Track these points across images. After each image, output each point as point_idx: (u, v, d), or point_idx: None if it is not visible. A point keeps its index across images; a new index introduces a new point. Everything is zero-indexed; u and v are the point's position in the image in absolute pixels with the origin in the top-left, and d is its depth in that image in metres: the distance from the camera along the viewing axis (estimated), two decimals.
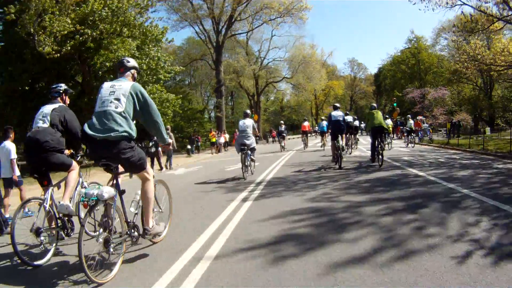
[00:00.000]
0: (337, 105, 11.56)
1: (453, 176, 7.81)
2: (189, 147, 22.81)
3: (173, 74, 22.97)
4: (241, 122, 9.70)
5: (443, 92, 39.37)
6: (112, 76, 16.62)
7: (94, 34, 15.09)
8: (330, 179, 8.29)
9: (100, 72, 17.71)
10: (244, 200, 6.31)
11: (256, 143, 10.86)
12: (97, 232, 3.12)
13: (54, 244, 3.79)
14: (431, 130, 22.28)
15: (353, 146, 16.48)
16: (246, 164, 9.31)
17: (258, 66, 42.34)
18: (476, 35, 15.39)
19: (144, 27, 17.60)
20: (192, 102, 39.39)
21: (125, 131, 3.17)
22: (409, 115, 22.29)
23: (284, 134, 22.23)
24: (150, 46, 18.67)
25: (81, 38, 14.83)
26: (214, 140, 25.57)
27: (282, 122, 24.36)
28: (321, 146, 18.76)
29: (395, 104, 34.60)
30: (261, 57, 45.07)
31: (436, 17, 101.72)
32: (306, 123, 21.88)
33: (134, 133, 3.27)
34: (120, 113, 3.21)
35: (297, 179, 8.57)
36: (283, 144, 21.11)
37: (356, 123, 18.71)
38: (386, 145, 12.34)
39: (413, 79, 50.43)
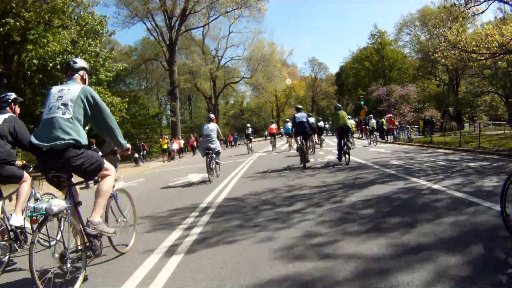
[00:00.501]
0: (300, 106, 12.46)
1: (483, 189, 5.83)
2: (136, 155, 22.03)
3: (122, 75, 22.10)
4: (205, 127, 10.22)
5: (409, 88, 40.46)
6: (41, 76, 15.74)
7: (18, 24, 13.69)
8: (309, 200, 6.06)
9: (28, 72, 16.25)
10: (170, 252, 3.95)
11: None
12: (52, 247, 2.97)
13: (7, 257, 3.79)
14: (409, 128, 22.37)
15: (317, 146, 18.14)
16: (211, 167, 9.91)
17: (215, 66, 42.27)
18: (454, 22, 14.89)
19: (79, 16, 16.24)
20: (147, 107, 38.29)
21: (72, 139, 3.09)
22: (371, 115, 24.12)
23: (251, 137, 24.09)
24: (88, 40, 16.88)
25: (2, 30, 13.48)
26: (165, 146, 24.78)
27: (248, 125, 26.52)
28: (289, 148, 20.41)
29: (362, 102, 35.57)
30: (218, 56, 45.15)
31: (398, 11, 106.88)
32: (273, 125, 24.14)
33: (83, 141, 3.20)
34: (68, 120, 3.14)
35: (260, 201, 6.42)
36: (250, 147, 22.88)
37: (321, 123, 20.85)
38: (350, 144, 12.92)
39: (377, 76, 52.51)
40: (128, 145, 3.78)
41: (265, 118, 69.25)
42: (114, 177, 3.62)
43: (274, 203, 6.08)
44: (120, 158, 10.17)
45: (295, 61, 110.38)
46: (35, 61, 15.65)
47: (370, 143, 19.91)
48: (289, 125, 19.30)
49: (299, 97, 75.25)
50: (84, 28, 16.75)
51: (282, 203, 5.96)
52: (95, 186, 3.71)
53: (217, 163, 10.50)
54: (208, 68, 39.63)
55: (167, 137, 26.10)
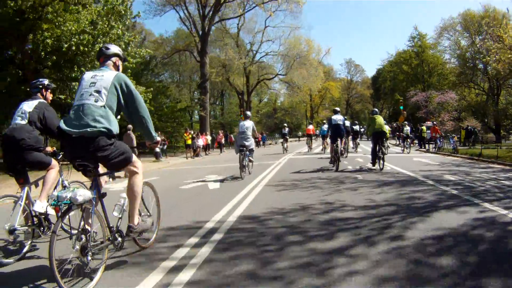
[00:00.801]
0: (337, 109, 12.76)
1: None
2: (157, 150, 21.44)
3: (151, 65, 21.53)
4: (241, 123, 10.62)
5: (450, 95, 38.94)
6: (55, 58, 14.98)
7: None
8: (355, 230, 4.45)
9: (42, 53, 15.31)
10: None
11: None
12: (73, 238, 2.97)
13: (29, 242, 3.93)
14: (455, 138, 20.97)
15: (352, 150, 18.83)
16: (244, 164, 10.14)
17: (249, 60, 42.24)
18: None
19: None
20: (177, 100, 38.50)
21: (104, 127, 3.06)
22: (405, 122, 24.13)
23: (287, 137, 24.67)
24: (109, 21, 15.76)
25: (13, 4, 12.81)
26: (189, 142, 23.78)
27: (285, 125, 27.83)
28: (322, 150, 21.00)
29: (401, 108, 34.60)
30: (253, 50, 44.98)
31: (439, 14, 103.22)
32: (310, 127, 25.13)
33: (115, 130, 3.17)
34: (100, 107, 3.12)
35: (287, 225, 4.83)
36: (285, 146, 23.26)
37: (356, 127, 21.71)
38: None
39: (416, 81, 51.05)
40: (159, 138, 3.72)
41: (298, 119, 68.92)
42: (142, 173, 3.54)
43: (305, 231, 4.45)
44: (137, 153, 9.56)
45: (331, 61, 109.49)
46: (49, 40, 14.82)
47: (403, 150, 20.05)
48: (325, 127, 19.73)
49: (334, 99, 74.45)
50: (105, 8, 15.98)
51: (317, 233, 4.34)
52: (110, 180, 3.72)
53: (250, 160, 10.79)
54: (242, 62, 39.56)
55: (192, 132, 25.38)
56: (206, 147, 28.08)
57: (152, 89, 22.22)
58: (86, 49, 14.79)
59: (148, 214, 3.96)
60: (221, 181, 9.98)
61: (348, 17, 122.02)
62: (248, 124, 10.48)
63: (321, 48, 50.43)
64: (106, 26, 15.64)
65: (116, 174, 5.12)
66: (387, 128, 12.95)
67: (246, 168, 10.46)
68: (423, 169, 11.35)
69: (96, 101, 3.13)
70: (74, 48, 14.60)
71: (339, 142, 11.65)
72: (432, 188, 7.56)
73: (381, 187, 7.95)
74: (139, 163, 3.51)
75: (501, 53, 15.07)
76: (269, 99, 69.05)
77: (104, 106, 3.14)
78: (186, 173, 13.29)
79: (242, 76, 44.79)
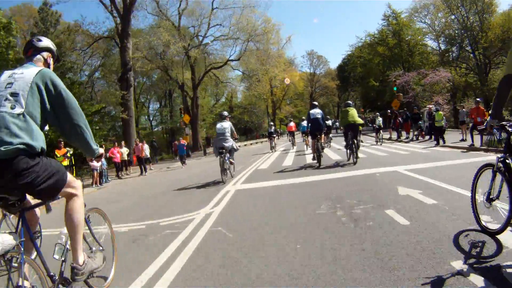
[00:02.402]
0: (315, 103, 12.57)
1: None
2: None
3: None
4: (218, 125, 10.13)
5: (444, 74, 32.31)
6: None
7: None
8: None
9: None
10: None
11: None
12: None
13: None
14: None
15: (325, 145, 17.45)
16: (225, 167, 9.78)
17: (189, 43, 31.28)
18: None
19: None
20: (92, 99, 27.45)
21: (23, 143, 2.26)
22: (377, 113, 22.74)
23: (274, 135, 23.67)
24: None
25: None
26: (65, 162, 13.44)
27: (272, 124, 28.34)
28: (306, 146, 19.64)
29: (395, 88, 26.45)
30: (199, 36, 34.42)
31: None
32: (292, 124, 25.14)
33: (39, 145, 2.36)
34: (17, 116, 2.33)
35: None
36: (273, 145, 22.39)
37: (329, 122, 20.96)
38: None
39: (395, 63, 42.51)
40: (101, 150, 2.95)
41: (259, 116, 59.04)
42: (82, 196, 2.77)
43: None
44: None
45: (291, 53, 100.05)
46: None
47: (377, 142, 19.16)
48: (305, 123, 17.88)
49: (297, 93, 65.38)
50: None
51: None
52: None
53: (231, 162, 10.45)
54: (180, 46, 28.66)
55: (65, 146, 13.98)
56: (122, 165, 17.72)
57: None
58: None
59: (100, 248, 3.20)
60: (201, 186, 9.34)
61: (309, 9, 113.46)
62: (226, 124, 10.02)
63: (281, 37, 40.01)
64: None
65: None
66: (359, 121, 11.96)
67: (228, 171, 10.12)
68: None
69: (12, 107, 2.35)
70: None
71: (319, 137, 11.09)
72: None
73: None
74: (77, 183, 2.79)
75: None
76: (227, 99, 58.44)
77: (23, 114, 2.37)
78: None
79: (188, 70, 34.57)
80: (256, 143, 40.55)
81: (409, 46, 42.01)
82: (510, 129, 3.08)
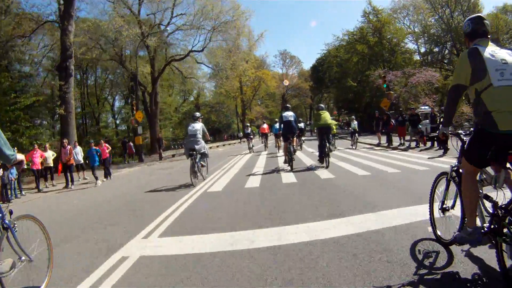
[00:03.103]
0: (288, 105, 12.30)
1: None
2: None
3: None
4: (190, 126, 9.92)
5: (431, 73, 29.70)
6: None
7: None
8: None
9: None
10: None
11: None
12: None
13: None
14: None
15: (297, 148, 17.31)
16: (194, 170, 9.44)
17: (147, 29, 26.60)
18: None
19: None
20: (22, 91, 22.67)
21: None
22: (353, 116, 22.65)
23: (251, 137, 23.17)
24: None
25: None
26: None
27: (248, 125, 29.22)
28: (276, 147, 20.11)
29: (385, 86, 23.44)
30: (160, 25, 29.77)
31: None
32: (265, 125, 24.09)
33: None
34: None
35: None
36: (251, 146, 21.87)
37: (301, 124, 20.18)
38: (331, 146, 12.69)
39: (375, 62, 39.81)
40: (20, 156, 2.78)
41: (227, 116, 55.22)
42: None
43: None
44: None
45: (263, 51, 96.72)
46: None
47: (352, 145, 19.16)
48: (277, 125, 17.82)
49: (269, 93, 62.09)
50: None
51: None
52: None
53: (202, 165, 10.11)
54: (135, 32, 24.42)
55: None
56: (45, 173, 13.82)
57: None
58: None
59: (28, 259, 3.01)
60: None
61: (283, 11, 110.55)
62: (198, 126, 9.81)
63: (253, 33, 36.16)
64: None
65: None
66: (333, 123, 12.02)
67: (198, 174, 9.72)
68: None
69: None
70: None
71: (291, 140, 11.13)
72: None
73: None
74: None
75: None
76: (189, 94, 54.16)
77: None
78: None
79: (148, 63, 30.46)
80: (224, 145, 36.75)
81: (390, 44, 39.45)
82: (465, 138, 3.14)
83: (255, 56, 43.67)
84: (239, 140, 44.07)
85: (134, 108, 22.42)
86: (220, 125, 51.38)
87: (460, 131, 3.20)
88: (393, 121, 18.03)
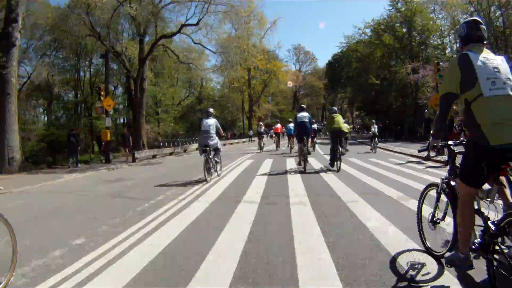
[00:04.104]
0: (303, 106, 12.36)
1: None
2: None
3: None
4: (203, 122, 9.78)
5: None
6: None
7: None
8: None
9: None
10: None
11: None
12: None
13: None
14: None
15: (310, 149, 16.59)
16: (208, 166, 9.31)
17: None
18: None
19: None
20: None
21: None
22: (373, 120, 22.79)
23: (264, 136, 22.81)
24: None
25: None
26: None
27: (261, 123, 25.73)
28: (288, 147, 20.21)
29: (438, 76, 17.92)
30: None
31: None
32: (278, 125, 23.75)
33: None
34: None
35: None
36: (262, 145, 21.61)
37: (315, 126, 19.96)
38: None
39: (404, 56, 33.86)
40: None
41: (232, 113, 49.59)
42: None
43: None
44: None
45: (275, 40, 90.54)
46: None
47: (372, 149, 18.42)
48: (291, 125, 18.72)
49: (280, 88, 56.30)
50: None
51: None
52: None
53: (216, 161, 9.97)
54: None
55: None
56: None
57: None
58: None
59: None
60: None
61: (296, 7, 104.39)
62: (211, 121, 9.68)
63: (267, 18, 30.60)
64: None
65: None
66: (346, 127, 12.57)
67: (212, 170, 9.55)
68: None
69: None
70: None
71: (305, 141, 10.99)
72: None
73: None
74: None
75: None
76: (193, 86, 48.61)
77: None
78: None
79: (136, 43, 25.09)
80: (224, 144, 31.17)
81: (421, 37, 33.34)
82: (456, 150, 3.12)
83: (264, 48, 38.26)
84: (248, 139, 39.74)
85: (102, 93, 16.95)
86: (224, 122, 45.84)
87: (450, 142, 3.18)
88: (456, 126, 12.31)
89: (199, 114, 45.94)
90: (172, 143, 33.27)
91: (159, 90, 41.36)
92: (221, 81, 44.13)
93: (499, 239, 2.43)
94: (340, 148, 10.63)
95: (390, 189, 7.15)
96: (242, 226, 4.70)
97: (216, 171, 9.97)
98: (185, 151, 24.51)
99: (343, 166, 11.01)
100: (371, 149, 18.74)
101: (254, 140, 35.92)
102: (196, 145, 24.58)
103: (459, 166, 2.85)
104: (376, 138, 18.89)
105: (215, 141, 9.55)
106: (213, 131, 9.53)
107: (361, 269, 3.11)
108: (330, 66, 59.41)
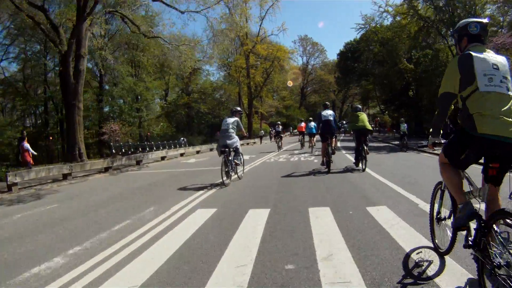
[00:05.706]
0: (327, 103, 11.90)
1: None
2: None
3: None
4: (224, 120, 9.02)
5: None
6: None
7: None
8: None
9: None
10: None
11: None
12: None
13: None
14: None
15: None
16: (226, 169, 8.41)
17: None
18: None
19: None
20: None
21: None
22: (402, 118, 22.04)
23: (281, 135, 22.84)
24: None
25: None
26: None
27: (279, 122, 26.00)
28: (309, 147, 18.93)
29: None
30: None
31: None
32: (302, 124, 23.26)
33: None
34: None
35: None
36: (280, 144, 21.34)
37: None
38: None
39: (446, 29, 25.23)
40: None
41: (228, 108, 41.15)
42: None
43: None
44: None
45: (279, 23, 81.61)
46: None
47: (402, 148, 17.79)
48: (313, 124, 18.15)
49: (285, 79, 47.59)
50: None
51: None
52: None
53: (236, 163, 8.92)
54: None
55: None
56: None
57: None
58: None
59: None
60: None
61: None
62: (231, 120, 8.75)
63: None
64: None
65: None
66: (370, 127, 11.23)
67: (231, 174, 8.54)
68: None
69: None
70: None
71: (329, 140, 10.32)
72: None
73: None
74: None
75: None
76: (204, 86, 40.04)
77: None
78: None
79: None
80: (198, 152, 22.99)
81: (468, 5, 24.53)
82: None
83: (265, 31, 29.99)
84: (259, 139, 34.55)
85: None
86: (216, 120, 37.12)
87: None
88: None
89: (187, 110, 37.60)
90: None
91: (138, 83, 33.39)
92: (212, 72, 35.79)
93: (490, 238, 2.40)
94: (365, 147, 9.92)
95: None
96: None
97: (237, 174, 9.01)
98: (138, 163, 16.02)
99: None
100: (400, 148, 17.92)
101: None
102: (173, 152, 20.94)
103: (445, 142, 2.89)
104: (406, 137, 17.99)
105: (234, 140, 8.60)
106: (232, 129, 8.62)
107: None
108: (342, 56, 50.73)
